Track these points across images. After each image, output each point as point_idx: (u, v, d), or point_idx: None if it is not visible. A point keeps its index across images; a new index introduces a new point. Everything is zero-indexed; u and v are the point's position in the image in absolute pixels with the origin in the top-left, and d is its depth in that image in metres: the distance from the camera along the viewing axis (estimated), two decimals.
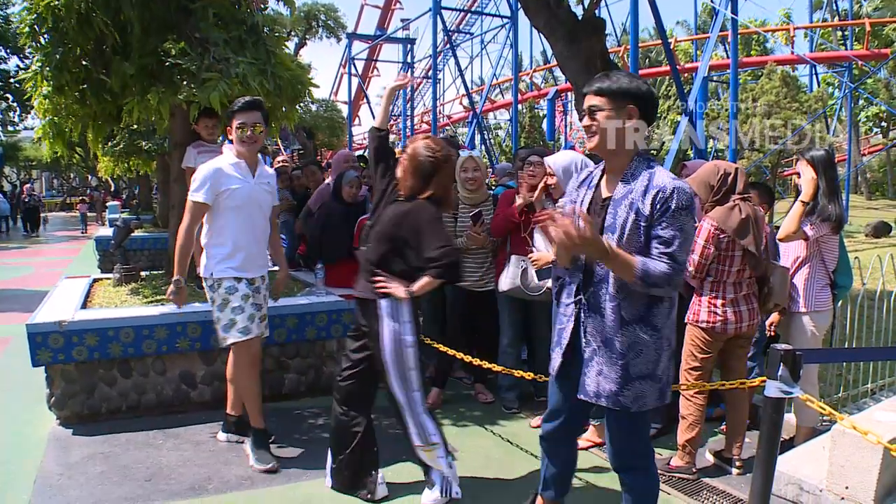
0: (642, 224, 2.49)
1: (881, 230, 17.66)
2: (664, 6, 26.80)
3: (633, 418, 2.67)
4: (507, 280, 4.78)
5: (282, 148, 19.70)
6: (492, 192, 5.48)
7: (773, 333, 4.43)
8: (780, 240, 4.15)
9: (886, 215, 21.02)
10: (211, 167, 3.98)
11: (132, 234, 7.41)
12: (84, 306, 5.11)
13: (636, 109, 2.55)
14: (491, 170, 11.76)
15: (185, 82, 4.95)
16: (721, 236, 3.78)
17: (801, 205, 4.02)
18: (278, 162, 8.92)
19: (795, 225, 4.00)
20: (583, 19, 5.28)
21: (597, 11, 5.50)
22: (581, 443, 4.33)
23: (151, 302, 5.21)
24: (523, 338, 5.21)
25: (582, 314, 2.67)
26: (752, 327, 3.94)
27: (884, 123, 29.54)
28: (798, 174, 4.22)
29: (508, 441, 4.53)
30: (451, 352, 4.59)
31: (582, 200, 2.73)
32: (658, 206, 2.46)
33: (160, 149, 12.62)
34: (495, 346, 5.16)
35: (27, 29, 5.12)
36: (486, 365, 4.38)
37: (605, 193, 2.67)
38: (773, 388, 2.48)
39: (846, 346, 4.87)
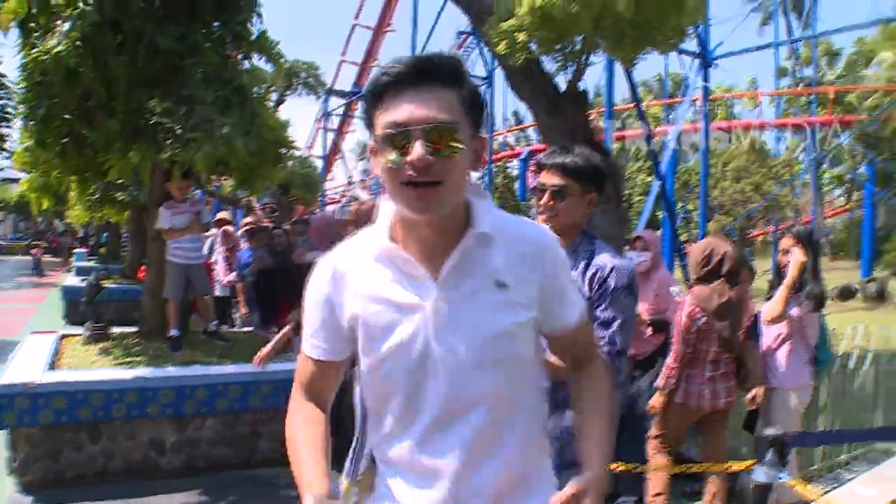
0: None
1: (847, 294, 17.98)
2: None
3: None
4: None
5: (253, 199, 19.61)
6: None
7: (754, 408, 4.42)
8: (766, 323, 4.17)
9: (850, 275, 21.44)
10: None
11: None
12: (52, 366, 4.95)
13: (596, 189, 2.47)
14: None
15: (168, 141, 4.93)
16: (699, 316, 3.80)
17: (786, 288, 4.05)
18: (245, 223, 8.80)
19: (781, 309, 4.02)
20: (566, 91, 5.39)
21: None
22: None
23: (122, 364, 5.07)
24: None
25: None
26: (729, 403, 3.94)
27: (847, 185, 30.40)
28: (784, 251, 4.22)
29: None
30: None
31: None
32: (596, 287, 2.37)
33: (134, 199, 12.49)
34: None
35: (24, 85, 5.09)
36: None
37: None
38: (760, 473, 2.47)
39: (823, 418, 4.88)
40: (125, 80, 5.06)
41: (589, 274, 2.39)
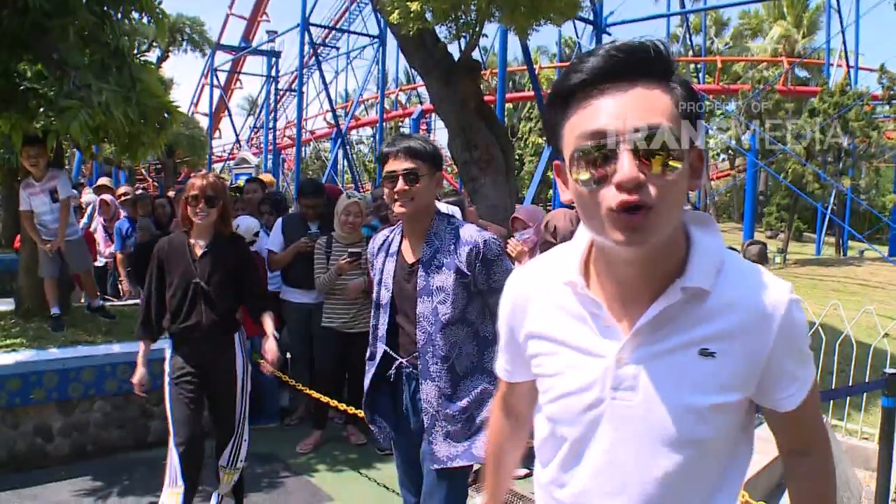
0: (464, 282, 2.50)
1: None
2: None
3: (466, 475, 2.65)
4: None
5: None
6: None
7: None
8: None
9: (733, 237, 22.72)
10: None
11: None
12: None
13: (439, 170, 2.58)
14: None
15: (41, 109, 4.61)
16: None
17: None
18: (137, 189, 8.43)
19: None
20: (459, 61, 5.38)
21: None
22: None
23: (1, 347, 4.78)
24: None
25: (405, 380, 2.66)
26: None
27: (730, 151, 32.00)
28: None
29: (384, 486, 4.49)
30: (319, 396, 4.57)
31: (384, 269, 2.68)
32: (477, 262, 2.49)
33: (6, 163, 11.63)
34: None
35: None
36: (352, 410, 4.44)
37: (410, 259, 2.63)
38: None
39: None
40: None
41: (465, 251, 2.49)
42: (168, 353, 3.58)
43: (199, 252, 3.50)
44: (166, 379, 3.54)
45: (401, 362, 2.64)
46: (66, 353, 4.70)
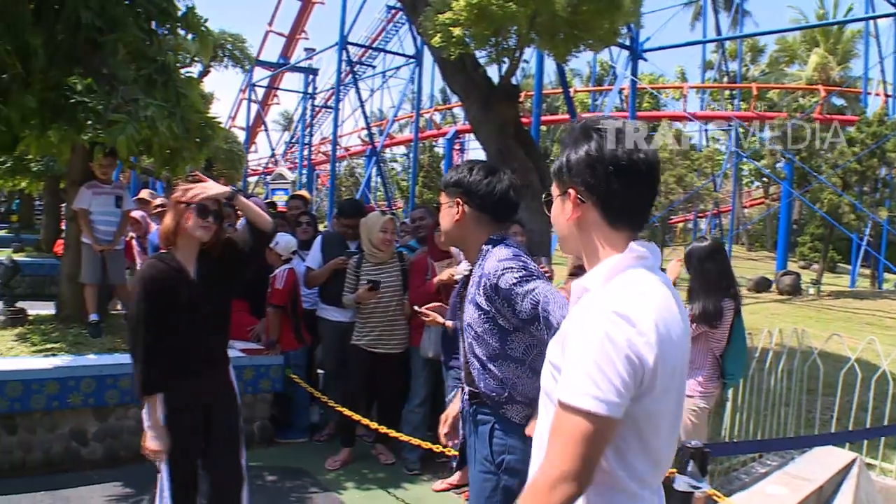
0: (488, 317, 2.38)
1: (762, 285, 18.97)
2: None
3: None
4: (432, 346, 4.79)
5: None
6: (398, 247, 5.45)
7: None
8: None
9: (766, 265, 22.45)
10: None
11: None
12: None
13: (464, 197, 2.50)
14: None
15: (89, 121, 4.74)
16: None
17: None
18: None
19: None
20: (498, 86, 5.44)
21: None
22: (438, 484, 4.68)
23: (41, 351, 4.90)
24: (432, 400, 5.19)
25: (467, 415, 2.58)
26: None
27: (764, 179, 31.66)
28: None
29: None
30: (350, 413, 4.65)
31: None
32: (492, 294, 2.34)
33: (49, 170, 11.94)
34: (396, 406, 5.15)
35: None
36: (384, 430, 4.52)
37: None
38: (682, 483, 2.56)
39: (737, 416, 5.11)
40: (43, 54, 4.83)
41: (482, 283, 2.38)
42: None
43: (191, 274, 3.00)
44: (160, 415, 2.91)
45: (464, 399, 2.57)
46: (104, 359, 4.80)
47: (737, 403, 5.16)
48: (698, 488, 2.54)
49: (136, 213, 8.77)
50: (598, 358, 1.32)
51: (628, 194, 1.49)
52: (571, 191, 1.52)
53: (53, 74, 4.92)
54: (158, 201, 9.56)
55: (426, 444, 4.18)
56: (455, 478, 4.71)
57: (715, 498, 2.86)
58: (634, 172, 1.47)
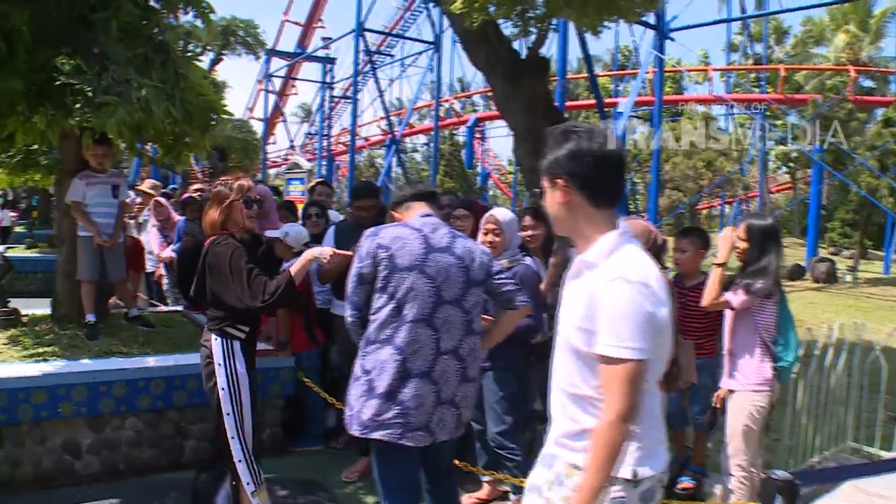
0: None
1: (796, 273, 18.49)
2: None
3: None
4: None
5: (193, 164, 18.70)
6: None
7: (718, 406, 4.09)
8: (704, 307, 3.86)
9: (794, 252, 21.78)
10: None
11: (24, 256, 6.60)
12: None
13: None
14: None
15: (78, 105, 4.33)
16: None
17: (716, 267, 3.75)
18: (193, 190, 8.14)
19: (716, 291, 3.73)
20: (526, 58, 4.94)
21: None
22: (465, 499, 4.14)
23: (32, 355, 4.51)
24: None
25: None
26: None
27: (791, 164, 30.80)
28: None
29: None
30: None
31: None
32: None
33: (59, 163, 11.66)
34: None
35: None
36: None
37: None
38: None
39: (796, 424, 4.62)
40: (28, 33, 4.41)
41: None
42: (238, 351, 3.40)
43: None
44: (239, 372, 3.36)
45: None
46: (98, 365, 4.40)
47: (794, 405, 4.67)
48: None
49: (161, 199, 8.41)
50: (630, 317, 1.79)
51: (604, 179, 1.94)
52: (560, 181, 1.94)
53: (40, 56, 4.51)
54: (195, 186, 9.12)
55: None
56: (484, 492, 4.27)
57: None
58: (607, 162, 1.92)
